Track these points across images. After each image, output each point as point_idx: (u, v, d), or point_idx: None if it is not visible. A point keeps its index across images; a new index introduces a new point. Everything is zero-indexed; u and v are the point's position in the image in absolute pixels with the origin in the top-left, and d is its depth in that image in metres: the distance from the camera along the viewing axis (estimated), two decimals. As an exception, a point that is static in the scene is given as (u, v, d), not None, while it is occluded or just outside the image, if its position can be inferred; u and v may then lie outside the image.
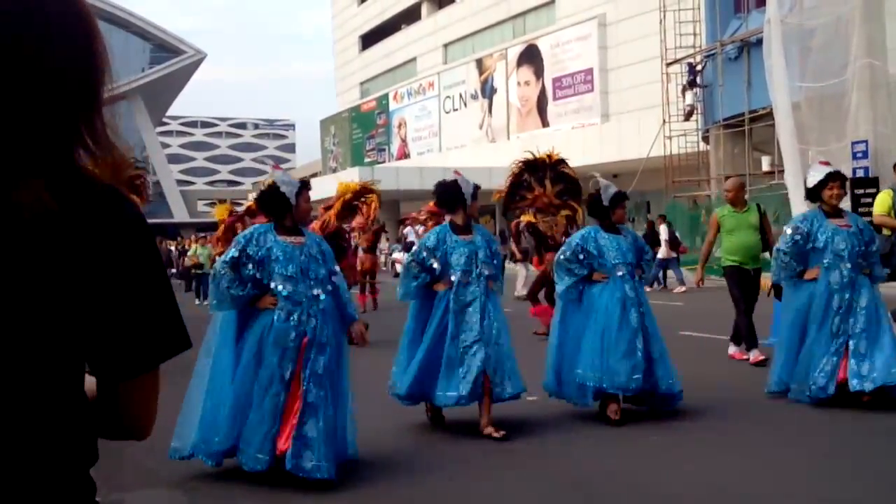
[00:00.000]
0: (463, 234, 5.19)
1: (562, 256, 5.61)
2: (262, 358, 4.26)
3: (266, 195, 4.52)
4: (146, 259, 1.06)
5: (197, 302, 16.39)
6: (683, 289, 15.97)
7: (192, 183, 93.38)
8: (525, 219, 9.82)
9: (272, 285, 4.33)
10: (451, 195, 5.28)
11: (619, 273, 5.48)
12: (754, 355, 7.44)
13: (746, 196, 8.15)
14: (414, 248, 5.53)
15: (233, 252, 4.38)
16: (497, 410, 5.24)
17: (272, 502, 4.15)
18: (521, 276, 15.35)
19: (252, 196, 13.81)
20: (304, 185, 4.56)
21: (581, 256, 5.54)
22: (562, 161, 9.13)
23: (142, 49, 69.11)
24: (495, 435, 5.03)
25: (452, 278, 5.08)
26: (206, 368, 4.37)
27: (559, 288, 5.65)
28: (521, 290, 14.56)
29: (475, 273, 5.07)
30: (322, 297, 4.40)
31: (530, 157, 9.06)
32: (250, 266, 4.33)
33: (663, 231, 17.22)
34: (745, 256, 7.58)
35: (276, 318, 4.30)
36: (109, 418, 1.10)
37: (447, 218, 5.36)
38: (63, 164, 1.02)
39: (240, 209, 12.51)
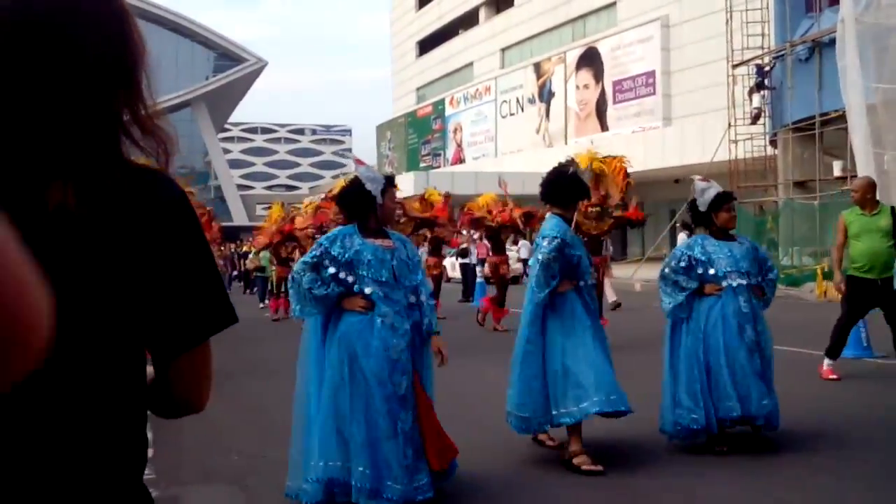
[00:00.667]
0: None
1: (666, 269, 4.95)
2: (360, 374, 3.66)
3: (349, 193, 3.99)
4: (187, 238, 1.10)
5: (261, 305, 16.48)
6: None
7: (252, 187, 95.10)
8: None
9: (366, 290, 3.77)
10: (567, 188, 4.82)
11: (733, 283, 4.76)
12: (827, 367, 6.91)
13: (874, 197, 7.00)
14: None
15: (314, 252, 3.87)
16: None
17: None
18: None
19: (309, 200, 13.77)
20: (390, 181, 4.03)
21: (686, 265, 4.87)
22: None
23: (206, 57, 70.69)
24: (590, 468, 4.30)
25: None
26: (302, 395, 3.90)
27: (666, 306, 4.94)
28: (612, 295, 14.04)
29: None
30: (416, 307, 3.88)
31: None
32: (332, 268, 3.80)
33: (681, 239, 16.12)
34: (871, 264, 6.70)
35: (378, 325, 3.72)
36: (166, 396, 1.14)
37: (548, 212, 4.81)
38: (107, 152, 1.07)
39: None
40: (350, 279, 3.78)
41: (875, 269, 6.67)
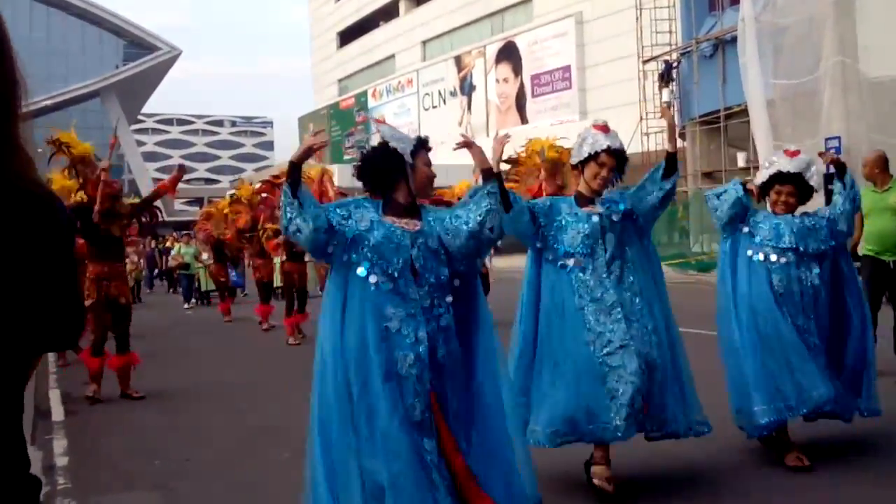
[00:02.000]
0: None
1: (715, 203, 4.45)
2: (363, 389, 2.91)
3: (372, 158, 3.12)
4: (32, 258, 1.10)
5: (186, 306, 15.90)
6: None
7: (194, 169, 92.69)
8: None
9: (359, 271, 2.95)
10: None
11: (771, 258, 4.27)
12: None
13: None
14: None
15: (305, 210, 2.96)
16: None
17: (252, 502, 4.16)
18: None
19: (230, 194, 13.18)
20: (422, 142, 3.16)
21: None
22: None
23: (115, 46, 68.42)
24: (601, 484, 3.70)
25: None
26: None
27: (723, 244, 4.49)
28: None
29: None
30: (441, 310, 3.01)
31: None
32: (331, 244, 2.99)
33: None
34: (880, 245, 6.18)
35: (380, 328, 2.92)
36: None
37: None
38: None
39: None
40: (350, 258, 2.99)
41: (888, 252, 6.14)
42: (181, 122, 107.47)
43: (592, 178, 3.96)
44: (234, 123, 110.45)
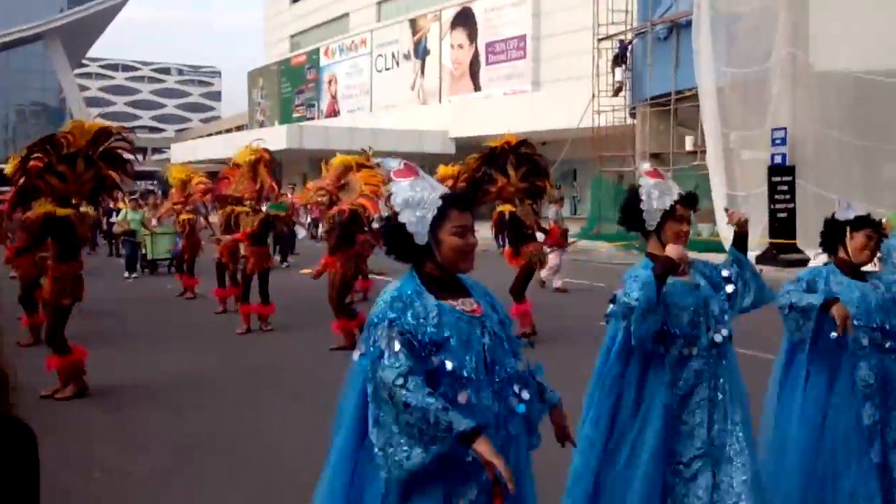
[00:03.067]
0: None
1: (789, 291, 3.50)
2: None
3: (386, 235, 2.39)
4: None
5: (126, 275, 14.88)
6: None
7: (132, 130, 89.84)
8: (506, 209, 8.61)
9: (460, 399, 2.22)
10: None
11: (863, 342, 3.42)
12: None
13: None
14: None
15: (387, 333, 2.20)
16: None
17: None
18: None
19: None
20: (454, 201, 2.35)
21: (811, 282, 3.56)
22: (523, 143, 8.77)
23: (60, -12, 65.73)
24: None
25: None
26: None
27: (789, 340, 3.55)
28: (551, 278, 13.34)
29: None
30: (520, 407, 2.32)
31: (487, 150, 8.70)
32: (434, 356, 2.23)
33: (553, 213, 14.29)
34: None
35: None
36: None
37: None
38: None
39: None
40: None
41: None
42: (127, 68, 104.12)
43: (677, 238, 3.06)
44: (181, 72, 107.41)
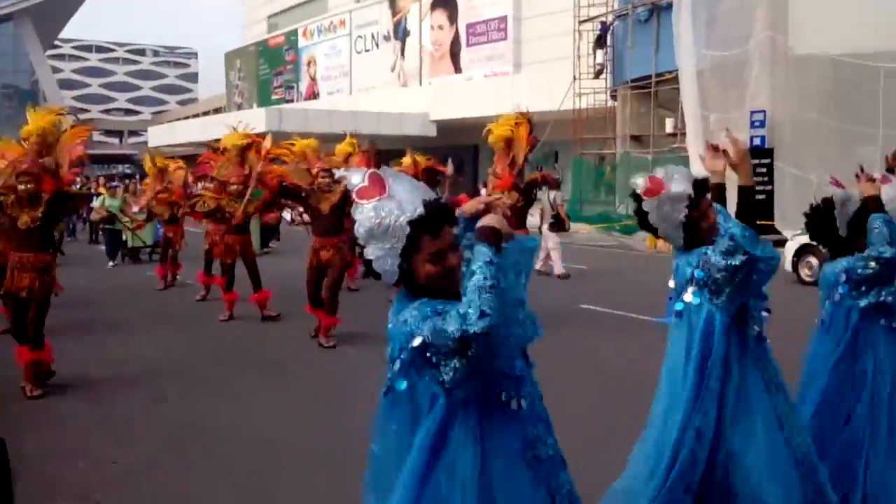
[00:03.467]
0: None
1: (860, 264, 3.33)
2: None
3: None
4: None
5: (111, 264, 14.72)
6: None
7: (87, 111, 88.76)
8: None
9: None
10: None
11: None
12: None
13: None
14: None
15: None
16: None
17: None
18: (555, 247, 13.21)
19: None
20: (426, 226, 2.06)
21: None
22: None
23: (31, -34, 64.37)
24: None
25: None
26: None
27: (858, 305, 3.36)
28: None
29: None
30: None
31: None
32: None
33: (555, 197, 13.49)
34: None
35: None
36: None
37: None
38: None
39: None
40: None
41: None
42: (101, 49, 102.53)
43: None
44: (156, 53, 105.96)
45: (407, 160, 10.34)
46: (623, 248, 18.01)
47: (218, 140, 9.50)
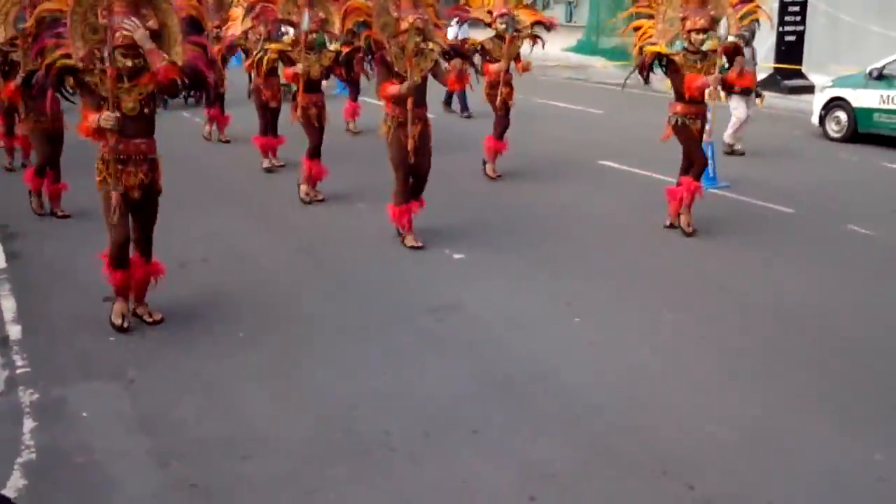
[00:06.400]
0: None
1: None
2: None
3: None
4: None
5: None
6: None
7: None
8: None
9: None
10: None
11: None
12: None
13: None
14: None
15: None
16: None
17: (214, 399, 4.20)
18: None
19: None
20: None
21: None
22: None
23: None
24: None
25: None
26: None
27: None
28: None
29: None
30: None
31: None
32: None
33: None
34: None
35: None
36: None
37: None
38: None
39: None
40: None
41: None
42: None
43: None
44: None
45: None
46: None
47: None
